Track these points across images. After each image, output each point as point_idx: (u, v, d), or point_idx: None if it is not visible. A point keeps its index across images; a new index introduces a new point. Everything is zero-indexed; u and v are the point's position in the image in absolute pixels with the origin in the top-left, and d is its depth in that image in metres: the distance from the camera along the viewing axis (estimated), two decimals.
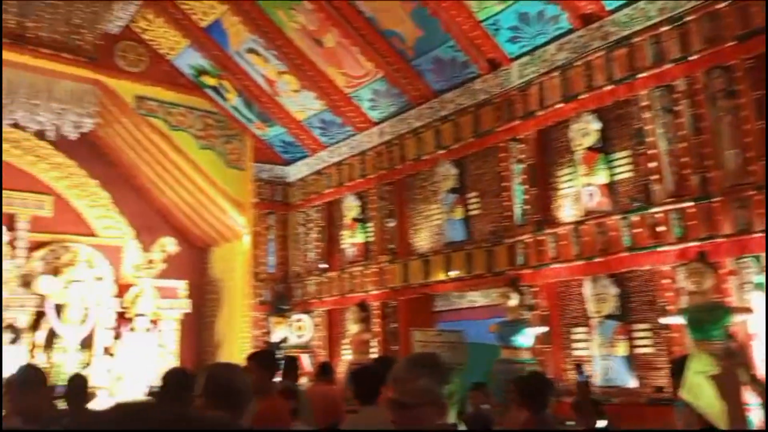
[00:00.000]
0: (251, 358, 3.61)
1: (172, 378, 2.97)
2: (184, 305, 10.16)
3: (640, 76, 6.03)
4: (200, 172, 9.61)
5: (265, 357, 3.60)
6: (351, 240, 9.47)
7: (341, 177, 9.64)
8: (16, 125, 8.66)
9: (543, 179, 6.99)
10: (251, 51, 8.72)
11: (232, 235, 10.33)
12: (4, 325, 8.51)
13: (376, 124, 8.91)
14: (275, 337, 9.94)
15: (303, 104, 9.22)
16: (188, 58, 9.32)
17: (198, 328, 10.74)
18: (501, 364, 6.28)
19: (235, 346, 9.84)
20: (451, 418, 1.72)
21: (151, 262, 10.12)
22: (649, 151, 5.98)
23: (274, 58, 8.65)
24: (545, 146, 7.08)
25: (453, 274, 7.74)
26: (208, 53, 9.02)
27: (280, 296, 10.11)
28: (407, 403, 1.60)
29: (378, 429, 2.51)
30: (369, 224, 9.28)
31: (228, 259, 10.51)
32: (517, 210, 7.15)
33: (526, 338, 6.50)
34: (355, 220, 9.43)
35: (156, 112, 9.33)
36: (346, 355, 9.18)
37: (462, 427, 3.40)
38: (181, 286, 10.26)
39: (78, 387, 4.40)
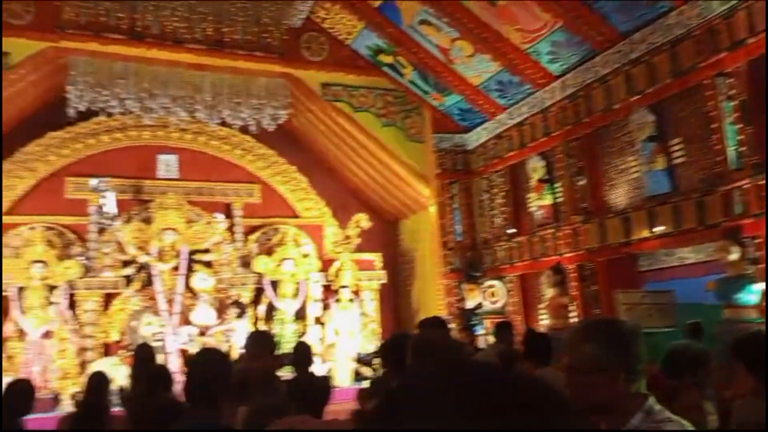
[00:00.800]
0: (423, 325, 3.58)
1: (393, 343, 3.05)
2: (381, 276, 10.57)
3: None
4: (384, 148, 9.88)
5: (437, 324, 3.55)
6: (539, 202, 9.17)
7: (523, 138, 9.34)
8: (223, 123, 9.50)
9: (759, 115, 6.12)
10: (423, 22, 8.75)
11: (418, 206, 10.52)
12: (230, 301, 9.46)
13: (558, 77, 8.47)
14: (469, 304, 10.02)
15: (478, 68, 9.05)
16: (365, 40, 9.60)
17: (395, 297, 11.15)
18: (725, 325, 5.70)
19: (432, 313, 9.85)
20: (642, 387, 1.58)
21: (348, 237, 10.63)
22: None
23: (446, 26, 8.59)
24: (759, 78, 6.18)
25: (658, 230, 7.16)
26: (383, 32, 9.21)
27: (470, 263, 10.13)
28: (576, 368, 1.53)
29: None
30: (557, 184, 8.90)
31: (417, 230, 10.74)
32: (731, 153, 6.36)
33: (753, 295, 5.83)
34: (542, 181, 9.10)
35: (340, 96, 9.74)
36: (543, 320, 8.99)
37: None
38: (377, 258, 10.68)
39: (304, 353, 4.79)
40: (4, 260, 8.60)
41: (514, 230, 9.69)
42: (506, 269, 9.78)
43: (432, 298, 10.22)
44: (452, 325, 9.68)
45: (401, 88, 10.06)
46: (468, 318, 9.96)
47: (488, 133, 10.08)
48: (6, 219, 9.01)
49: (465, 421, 0.50)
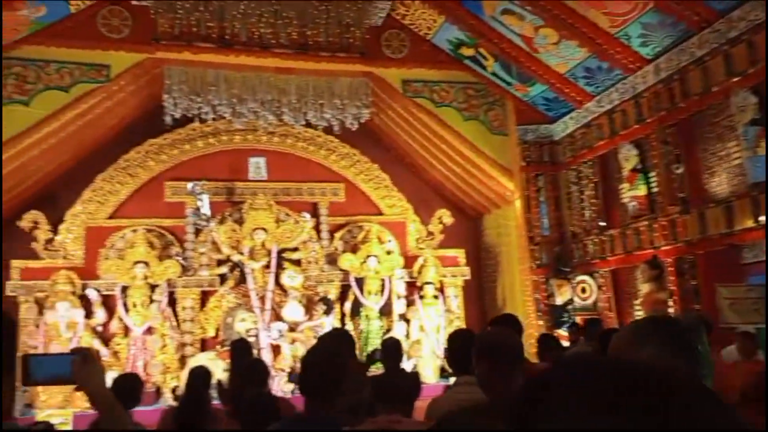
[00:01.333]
0: (495, 322, 3.53)
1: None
2: (465, 272, 10.48)
3: None
4: (467, 143, 9.75)
5: (511, 322, 3.50)
6: (632, 193, 8.76)
7: (614, 126, 8.96)
8: (308, 125, 9.67)
9: None
10: (506, 12, 8.56)
11: (502, 201, 10.33)
12: (317, 297, 9.63)
13: (650, 61, 8.06)
14: (559, 300, 9.78)
15: (564, 56, 8.76)
16: (446, 34, 9.50)
17: (479, 293, 11.01)
18: None
19: (519, 310, 9.68)
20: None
21: (430, 234, 10.65)
22: None
23: (529, 14, 8.37)
24: None
25: (763, 219, 6.65)
26: (464, 24, 9.08)
27: (559, 258, 9.85)
28: None
29: None
30: (652, 173, 8.47)
31: (501, 225, 10.54)
32: None
33: None
34: (635, 170, 8.68)
35: (421, 92, 9.69)
36: (638, 317, 8.59)
37: None
38: (460, 254, 10.59)
39: (393, 348, 4.67)
40: (110, 260, 9.18)
41: (605, 223, 9.32)
42: (597, 264, 9.41)
43: (518, 294, 10.02)
44: (540, 322, 9.70)
45: (483, 80, 9.90)
46: (558, 315, 9.72)
47: (576, 123, 9.76)
48: (111, 222, 9.59)
49: (620, 419, 0.47)
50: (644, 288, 8.24)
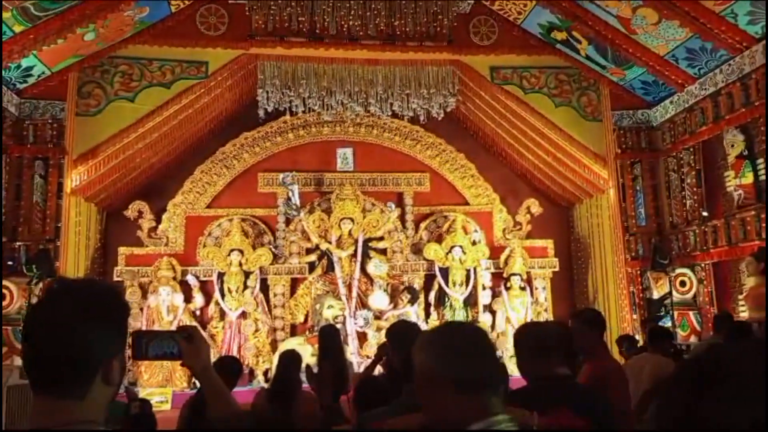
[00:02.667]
0: (575, 316, 3.39)
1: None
2: (554, 263, 10.22)
3: None
4: (558, 130, 9.44)
5: (591, 316, 3.36)
6: (737, 181, 8.15)
7: (718, 110, 8.35)
8: (394, 115, 9.67)
9: None
10: None
11: (595, 190, 9.95)
12: (403, 286, 9.66)
13: (759, 40, 7.44)
14: (656, 294, 9.26)
15: (664, 36, 8.24)
16: (536, 18, 9.18)
17: (569, 285, 10.70)
18: None
19: (611, 304, 9.54)
20: (496, 404, 1.34)
21: (518, 224, 10.44)
22: None
23: None
24: None
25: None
26: (557, 7, 8.73)
27: (656, 250, 9.30)
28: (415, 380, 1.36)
29: None
30: (759, 160, 7.82)
31: (593, 215, 10.16)
32: None
33: None
34: (741, 157, 8.05)
35: (510, 79, 9.47)
36: (742, 312, 8.02)
37: None
38: (549, 245, 10.34)
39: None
40: (207, 248, 9.58)
41: (707, 213, 8.75)
42: (698, 256, 8.86)
43: (611, 287, 9.65)
44: (634, 316, 9.30)
45: (576, 65, 9.53)
46: (655, 309, 9.20)
47: (676, 107, 9.21)
48: (208, 211, 10.00)
49: None
50: (749, 282, 7.66)
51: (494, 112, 9.83)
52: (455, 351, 1.34)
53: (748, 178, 7.99)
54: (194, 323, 9.08)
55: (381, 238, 10.01)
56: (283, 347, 8.48)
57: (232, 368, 4.09)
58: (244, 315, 9.37)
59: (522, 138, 9.92)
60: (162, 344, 1.59)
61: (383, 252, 10.00)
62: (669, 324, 8.78)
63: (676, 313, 8.82)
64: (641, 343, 7.53)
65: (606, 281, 9.79)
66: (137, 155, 9.01)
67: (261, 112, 9.02)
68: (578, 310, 3.50)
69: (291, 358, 4.58)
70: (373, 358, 4.29)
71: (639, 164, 9.71)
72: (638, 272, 9.42)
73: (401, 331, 2.70)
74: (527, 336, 2.40)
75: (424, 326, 7.30)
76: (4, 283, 7.54)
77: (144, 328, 8.95)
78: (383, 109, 9.34)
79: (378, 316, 9.48)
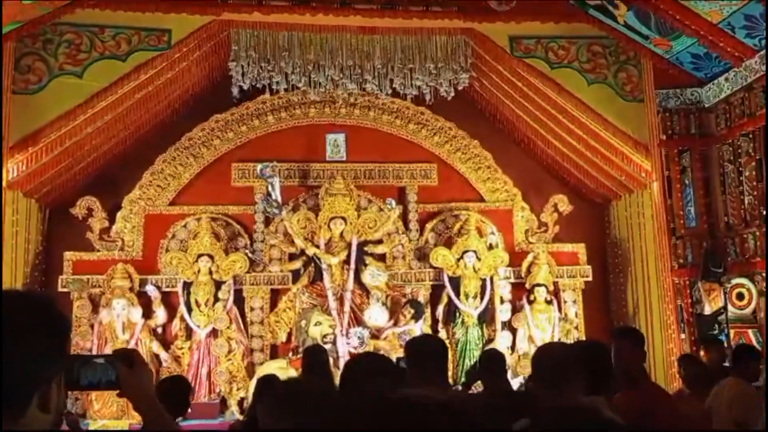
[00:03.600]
0: (622, 335, 3.39)
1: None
2: (586, 272, 9.89)
3: None
4: (591, 112, 9.03)
5: (640, 336, 3.42)
6: None
7: None
8: (395, 94, 9.30)
9: None
10: None
11: (635, 184, 9.54)
12: (405, 299, 9.40)
13: None
14: (708, 309, 8.81)
15: (718, 1, 7.70)
16: None
17: (603, 298, 10.34)
18: None
19: (655, 320, 9.10)
20: None
21: (543, 225, 10.10)
22: None
23: None
24: None
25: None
26: None
27: (709, 256, 8.79)
28: None
29: None
30: None
31: (633, 214, 9.78)
32: None
33: None
34: None
35: (533, 51, 9.09)
36: None
37: None
38: (580, 250, 10.00)
39: (493, 362, 4.56)
40: (171, 253, 9.23)
41: None
42: (758, 263, 8.36)
43: (654, 300, 9.20)
44: (682, 336, 8.94)
45: (613, 34, 9.06)
46: (706, 327, 8.79)
47: (733, 85, 8.74)
48: (172, 209, 9.64)
49: None
50: None
51: (515, 90, 9.42)
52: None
53: None
54: (155, 343, 8.86)
55: (379, 242, 9.67)
56: (261, 372, 8.22)
57: (179, 392, 4.07)
58: (215, 333, 9.01)
59: (548, 122, 9.52)
60: (97, 370, 1.59)
61: (382, 258, 9.67)
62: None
63: (732, 332, 8.45)
64: None
65: (648, 293, 9.38)
66: (86, 141, 8.62)
67: (235, 91, 8.68)
68: (624, 328, 3.57)
69: (268, 385, 4.43)
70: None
71: (688, 153, 9.32)
72: (687, 283, 9.05)
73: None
74: (541, 359, 2.43)
75: None
76: None
77: (95, 348, 8.61)
78: (382, 87, 8.99)
79: (375, 334, 9.13)
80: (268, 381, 4.12)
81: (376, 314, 9.15)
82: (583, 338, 9.32)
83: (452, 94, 8.99)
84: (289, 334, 9.24)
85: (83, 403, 8.42)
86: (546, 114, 9.41)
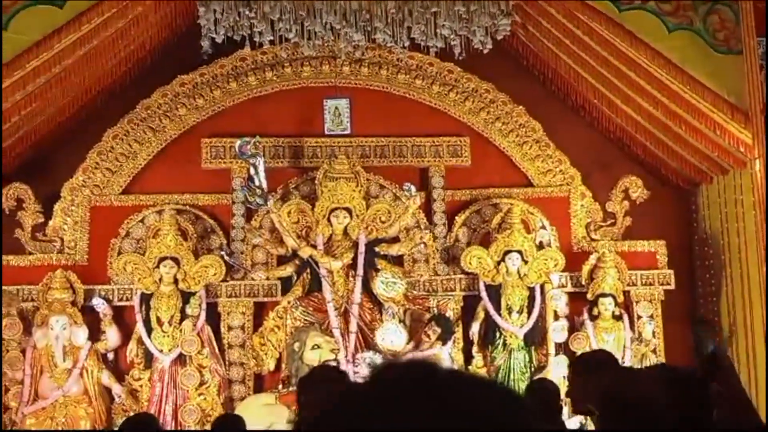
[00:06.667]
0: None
1: None
2: (666, 278, 9.89)
3: None
4: (671, 67, 8.95)
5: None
6: None
7: None
8: (414, 47, 9.26)
9: None
10: None
11: (731, 161, 9.52)
12: (428, 315, 9.42)
13: None
14: None
15: None
16: None
17: (690, 313, 10.30)
18: None
19: (757, 340, 9.07)
20: None
21: (610, 216, 10.14)
22: None
23: None
24: None
25: None
26: None
27: None
28: None
29: None
30: None
31: (729, 202, 9.78)
32: None
33: None
34: None
35: None
36: None
37: None
38: (658, 249, 10.01)
39: (547, 396, 4.79)
40: (125, 256, 9.31)
41: None
42: None
43: (757, 313, 9.13)
44: None
45: None
46: None
47: None
48: (125, 199, 9.71)
49: None
50: None
51: (572, 40, 9.38)
52: None
53: None
54: (105, 372, 8.96)
55: (395, 240, 9.73)
56: (242, 409, 8.37)
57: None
58: (182, 360, 9.08)
59: (616, 81, 9.52)
60: None
61: (398, 261, 9.73)
62: None
63: None
64: None
65: (750, 305, 9.35)
66: (14, 112, 8.66)
67: (206, 44, 8.55)
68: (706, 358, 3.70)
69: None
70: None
71: None
72: None
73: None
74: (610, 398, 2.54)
75: None
76: None
77: (27, 378, 8.74)
78: (396, 38, 8.84)
79: (391, 360, 8.98)
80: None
81: (391, 334, 9.20)
82: (663, 361, 9.13)
83: (489, 45, 8.83)
84: (279, 361, 9.29)
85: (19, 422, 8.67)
86: (613, 71, 9.40)
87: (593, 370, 3.83)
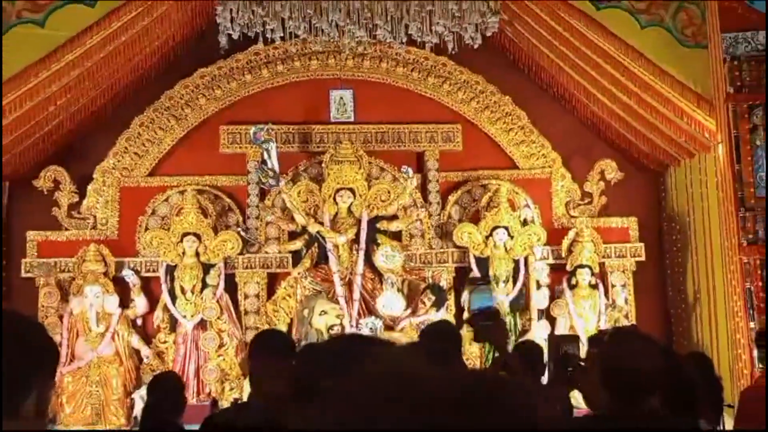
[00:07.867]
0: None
1: None
2: (637, 251, 9.97)
3: None
4: (643, 60, 8.96)
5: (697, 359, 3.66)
6: None
7: None
8: (412, 42, 9.24)
9: None
10: None
11: (697, 146, 9.52)
12: (423, 285, 9.52)
13: None
14: None
15: None
16: None
17: (658, 282, 10.45)
18: None
19: (719, 306, 9.13)
20: None
21: (587, 195, 10.19)
22: None
23: None
24: None
25: None
26: None
27: None
28: None
29: None
30: None
31: (694, 183, 9.79)
32: None
33: None
34: None
35: None
36: None
37: None
38: (631, 225, 10.09)
39: (532, 356, 4.70)
40: (151, 232, 9.38)
41: None
42: None
43: (719, 283, 9.19)
44: (751, 324, 8.83)
45: None
46: None
47: None
48: (151, 180, 9.79)
49: None
50: None
51: (554, 36, 9.37)
52: None
53: None
54: (134, 336, 9.09)
55: (394, 217, 9.79)
56: None
57: (172, 390, 4.29)
58: (203, 325, 9.18)
59: (593, 73, 9.51)
60: None
61: (397, 236, 9.81)
62: None
63: None
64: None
65: (712, 276, 9.39)
66: (50, 102, 8.68)
67: (223, 40, 8.60)
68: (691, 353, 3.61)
69: (166, 389, 4.54)
70: None
71: (760, 109, 9.19)
72: (758, 263, 8.99)
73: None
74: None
75: None
76: None
77: (66, 342, 8.87)
78: (396, 34, 8.87)
79: (390, 325, 9.29)
80: None
81: (390, 302, 9.27)
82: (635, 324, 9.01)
83: (479, 41, 8.86)
84: (290, 326, 9.33)
85: (54, 406, 8.54)
86: (591, 64, 9.39)
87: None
